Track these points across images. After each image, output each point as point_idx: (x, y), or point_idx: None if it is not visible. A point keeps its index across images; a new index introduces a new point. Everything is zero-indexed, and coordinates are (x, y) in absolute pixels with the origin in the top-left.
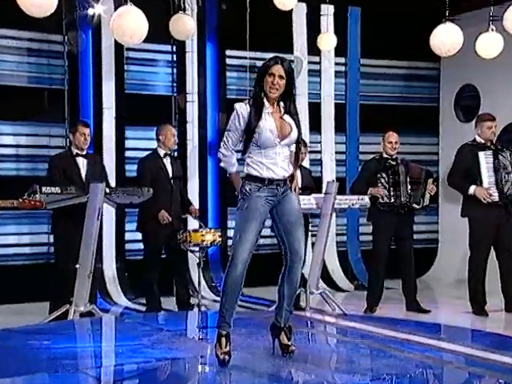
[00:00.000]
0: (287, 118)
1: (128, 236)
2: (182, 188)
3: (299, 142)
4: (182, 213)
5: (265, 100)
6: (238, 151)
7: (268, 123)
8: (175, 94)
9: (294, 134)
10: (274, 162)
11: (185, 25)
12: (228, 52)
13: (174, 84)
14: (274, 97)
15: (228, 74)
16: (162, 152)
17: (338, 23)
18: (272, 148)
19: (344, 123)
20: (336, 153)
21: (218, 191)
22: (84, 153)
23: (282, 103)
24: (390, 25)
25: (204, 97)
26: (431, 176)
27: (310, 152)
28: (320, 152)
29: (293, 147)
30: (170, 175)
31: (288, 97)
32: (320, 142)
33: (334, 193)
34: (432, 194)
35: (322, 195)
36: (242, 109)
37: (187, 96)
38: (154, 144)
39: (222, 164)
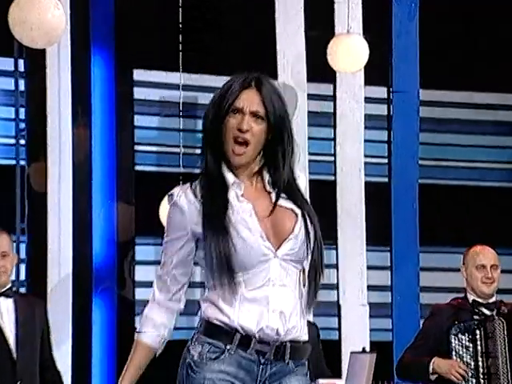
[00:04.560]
0: (282, 200)
1: None
2: (46, 361)
3: (320, 249)
4: None
5: (226, 171)
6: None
7: (242, 215)
8: (23, 163)
9: (304, 231)
10: (265, 299)
11: (43, 17)
12: (138, 74)
13: (22, 141)
14: (240, 163)
15: (139, 118)
16: None
17: (370, 17)
18: (258, 267)
19: (387, 225)
20: (370, 288)
21: (112, 371)
22: None
23: (265, 174)
24: (478, 20)
25: (87, 168)
26: None
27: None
28: (336, 288)
29: (305, 264)
30: (12, 337)
31: (276, 158)
32: (336, 267)
33: (366, 375)
34: None
35: (342, 382)
36: (183, 199)
37: (49, 166)
38: None
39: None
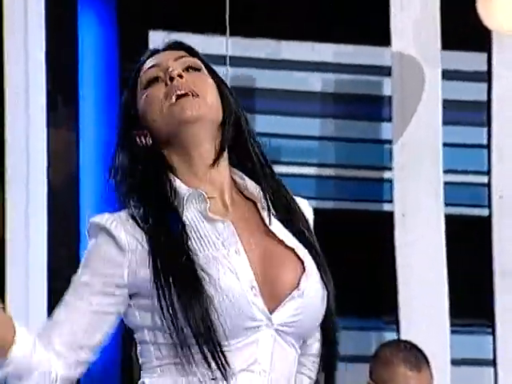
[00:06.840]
0: (275, 226)
1: None
2: None
3: (332, 324)
4: None
5: (175, 179)
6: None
7: (221, 250)
8: None
9: (315, 286)
10: None
11: None
12: (157, 39)
13: None
14: (192, 117)
15: None
16: None
17: None
18: (241, 338)
19: None
20: None
21: None
22: None
23: (239, 176)
24: None
25: (72, 196)
26: None
27: None
28: None
29: (314, 345)
30: None
31: (247, 147)
32: (493, 363)
33: None
34: None
35: None
36: (119, 228)
37: (8, 194)
38: None
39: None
